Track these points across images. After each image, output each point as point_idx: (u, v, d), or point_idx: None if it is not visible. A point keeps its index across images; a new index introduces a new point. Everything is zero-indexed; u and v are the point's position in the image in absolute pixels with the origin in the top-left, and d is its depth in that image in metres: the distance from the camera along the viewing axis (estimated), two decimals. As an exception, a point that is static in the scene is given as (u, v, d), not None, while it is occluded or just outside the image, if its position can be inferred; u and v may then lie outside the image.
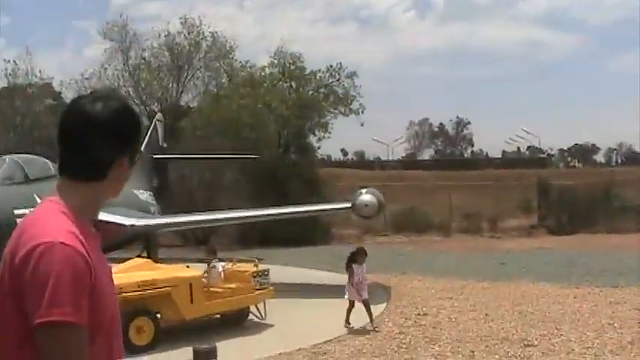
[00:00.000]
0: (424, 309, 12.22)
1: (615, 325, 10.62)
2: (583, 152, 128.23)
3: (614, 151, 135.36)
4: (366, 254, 11.56)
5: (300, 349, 9.62)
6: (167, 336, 10.07)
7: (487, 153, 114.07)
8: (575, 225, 30.64)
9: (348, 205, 15.23)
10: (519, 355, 8.97)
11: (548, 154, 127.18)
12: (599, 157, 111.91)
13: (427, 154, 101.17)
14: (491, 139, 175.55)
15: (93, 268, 2.01)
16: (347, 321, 10.93)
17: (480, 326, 10.80)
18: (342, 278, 16.57)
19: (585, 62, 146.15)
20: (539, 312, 11.75)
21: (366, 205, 14.63)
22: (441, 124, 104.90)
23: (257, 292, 11.50)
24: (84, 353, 1.97)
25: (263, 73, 31.16)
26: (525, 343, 9.63)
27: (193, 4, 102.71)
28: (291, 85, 31.24)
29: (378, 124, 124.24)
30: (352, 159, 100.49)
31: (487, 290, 14.31)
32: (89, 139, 2.16)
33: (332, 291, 14.92)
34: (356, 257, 11.35)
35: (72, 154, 2.18)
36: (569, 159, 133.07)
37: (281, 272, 17.65)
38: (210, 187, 28.04)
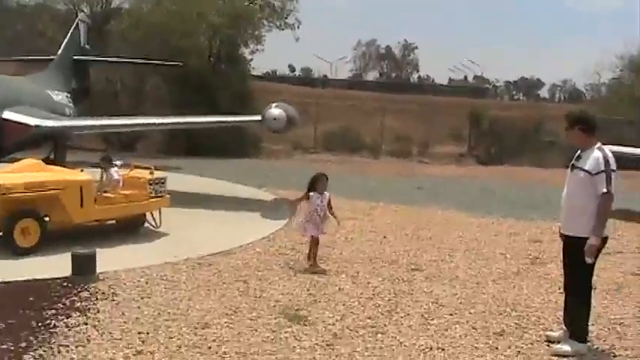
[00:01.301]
0: (324, 227, 12.12)
1: (507, 255, 10.67)
2: (528, 86, 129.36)
3: (559, 88, 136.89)
4: (326, 179, 9.85)
5: (187, 259, 9.43)
6: (50, 241, 9.74)
7: (433, 79, 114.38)
8: (502, 156, 31.02)
9: (258, 118, 14.91)
10: (402, 278, 8.93)
11: (493, 85, 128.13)
12: (544, 93, 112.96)
13: (372, 77, 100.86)
14: (437, 66, 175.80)
15: None
16: (311, 257, 9.43)
17: (375, 248, 10.76)
18: (256, 193, 16.65)
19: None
20: (437, 238, 11.76)
21: (275, 119, 14.34)
22: (387, 46, 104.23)
23: (152, 199, 11.20)
24: None
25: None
26: (413, 267, 9.61)
27: None
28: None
29: (329, 42, 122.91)
30: (299, 75, 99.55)
31: (394, 213, 14.30)
32: None
33: (242, 205, 14.88)
34: (315, 184, 9.70)
35: None
36: (514, 92, 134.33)
37: (192, 182, 17.54)
38: (136, 94, 27.41)
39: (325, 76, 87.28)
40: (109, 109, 24.76)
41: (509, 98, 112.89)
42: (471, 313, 7.56)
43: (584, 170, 6.46)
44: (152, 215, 11.42)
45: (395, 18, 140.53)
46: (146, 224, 11.46)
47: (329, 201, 9.77)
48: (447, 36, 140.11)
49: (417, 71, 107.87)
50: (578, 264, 6.48)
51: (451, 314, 7.47)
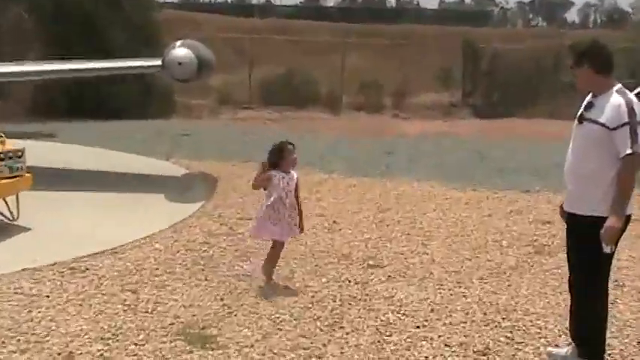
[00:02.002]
0: (252, 211, 12.04)
1: (503, 242, 10.75)
2: (551, 7, 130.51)
3: (593, 8, 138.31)
4: (294, 149, 8.77)
5: (55, 264, 9.29)
6: None
7: (418, 2, 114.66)
8: (509, 106, 31.24)
9: (157, 62, 14.73)
10: (354, 279, 8.93)
11: (501, 8, 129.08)
12: (572, 16, 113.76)
13: (333, 1, 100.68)
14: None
15: None
16: (267, 271, 8.82)
17: (319, 237, 10.77)
18: (161, 167, 16.54)
19: None
20: (409, 221, 11.83)
21: (180, 64, 14.15)
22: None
23: (5, 181, 10.99)
24: None
25: None
26: (371, 262, 9.62)
27: None
28: None
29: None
30: (231, 1, 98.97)
31: (352, 189, 14.36)
32: None
33: (139, 184, 14.79)
34: (278, 159, 8.69)
35: None
36: (530, 16, 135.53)
37: (70, 154, 17.38)
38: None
39: (268, 0, 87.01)
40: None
41: (524, 24, 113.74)
42: (445, 324, 7.56)
43: (598, 123, 6.25)
44: (5, 202, 11.27)
45: None
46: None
47: (296, 186, 8.89)
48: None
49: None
50: (589, 253, 6.37)
51: (417, 327, 7.46)
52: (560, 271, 9.31)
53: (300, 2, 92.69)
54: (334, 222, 11.68)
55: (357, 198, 13.52)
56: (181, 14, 49.02)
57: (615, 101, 6.20)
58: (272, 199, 8.59)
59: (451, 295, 8.46)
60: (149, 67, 16.61)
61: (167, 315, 7.66)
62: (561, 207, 6.78)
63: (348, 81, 34.84)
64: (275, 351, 6.82)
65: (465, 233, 11.19)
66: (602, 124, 6.21)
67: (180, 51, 14.25)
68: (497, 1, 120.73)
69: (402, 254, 10.04)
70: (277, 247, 8.83)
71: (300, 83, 33.12)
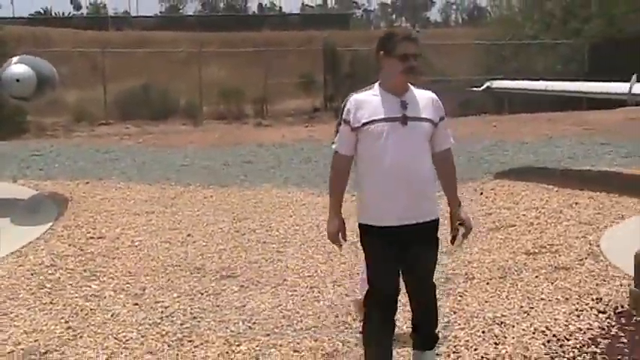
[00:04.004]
0: (104, 230, 11.98)
1: (358, 244, 10.87)
2: (412, 7, 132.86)
3: (453, 7, 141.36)
4: None
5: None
6: None
7: (281, 7, 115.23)
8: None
9: (-10, 80, 14.31)
10: (206, 291, 8.96)
11: (364, 10, 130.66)
12: (435, 15, 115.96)
13: (193, 10, 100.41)
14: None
15: None
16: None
17: (172, 252, 10.74)
18: (8, 189, 16.18)
19: None
20: (265, 229, 11.89)
21: (19, 81, 13.78)
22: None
23: None
24: None
25: None
26: (224, 273, 9.67)
27: None
28: None
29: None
30: (86, 15, 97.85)
31: (208, 200, 14.36)
32: None
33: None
34: None
35: None
36: (393, 17, 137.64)
37: None
38: None
39: (126, 12, 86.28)
40: None
41: (387, 26, 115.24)
42: (296, 330, 7.65)
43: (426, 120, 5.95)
44: None
45: None
46: None
47: None
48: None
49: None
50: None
51: (268, 335, 7.54)
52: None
53: (160, 12, 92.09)
54: (188, 235, 11.67)
55: (213, 209, 13.54)
56: (33, 30, 48.29)
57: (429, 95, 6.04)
58: None
59: (304, 300, 8.57)
60: None
61: (6, 343, 7.52)
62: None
63: (209, 91, 34.84)
64: (119, 370, 6.81)
65: (320, 238, 11.29)
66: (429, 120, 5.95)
67: (18, 67, 13.85)
68: (360, 3, 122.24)
69: (256, 263, 10.09)
70: None
71: (158, 96, 33.01)
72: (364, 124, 5.78)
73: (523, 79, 21.24)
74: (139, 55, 42.49)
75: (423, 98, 5.92)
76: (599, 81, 17.57)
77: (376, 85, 5.89)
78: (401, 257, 5.97)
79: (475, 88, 20.52)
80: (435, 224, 6.05)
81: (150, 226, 12.34)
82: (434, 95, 6.00)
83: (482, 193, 14.30)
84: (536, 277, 9.25)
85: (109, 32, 56.93)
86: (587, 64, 29.30)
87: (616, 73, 17.18)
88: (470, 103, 28.96)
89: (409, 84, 5.91)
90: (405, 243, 5.90)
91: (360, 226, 6.15)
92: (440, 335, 6.80)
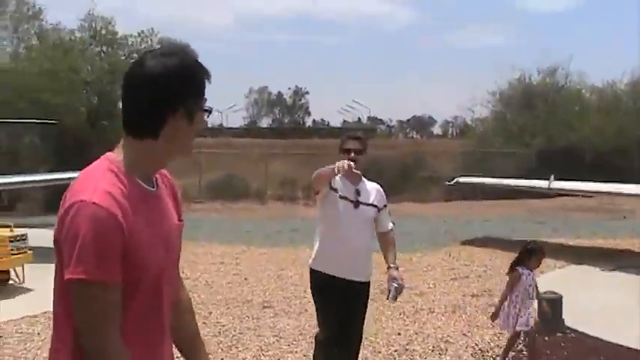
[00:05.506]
0: (189, 273, 12.44)
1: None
2: (421, 124, 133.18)
3: (450, 124, 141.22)
4: (543, 254, 7.16)
5: (46, 312, 9.61)
6: None
7: (328, 122, 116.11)
8: (385, 194, 32.01)
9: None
10: (253, 316, 9.39)
11: (387, 125, 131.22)
12: (437, 130, 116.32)
13: (266, 123, 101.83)
14: (329, 108, 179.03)
15: (127, 228, 2.10)
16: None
17: (233, 289, 11.19)
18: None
19: (428, 35, 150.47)
20: (298, 275, 12.27)
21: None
22: (279, 92, 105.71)
23: (14, 256, 11.35)
24: (109, 308, 2.11)
25: (73, 37, 30.33)
26: (265, 304, 10.10)
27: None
28: (102, 50, 30.57)
29: (220, 90, 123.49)
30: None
31: (262, 256, 14.77)
32: (140, 95, 2.20)
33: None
34: (528, 257, 6.99)
35: (126, 109, 2.24)
36: (407, 130, 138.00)
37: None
38: (12, 153, 27.19)
39: (221, 125, 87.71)
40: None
41: (404, 137, 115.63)
42: (307, 342, 8.00)
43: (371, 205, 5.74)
44: (15, 271, 11.58)
45: (283, 65, 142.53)
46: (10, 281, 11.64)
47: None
48: (336, 79, 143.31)
49: (309, 115, 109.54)
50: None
51: (288, 345, 7.97)
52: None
53: (245, 124, 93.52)
54: (245, 278, 12.08)
55: (265, 262, 13.92)
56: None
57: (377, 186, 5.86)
58: (517, 292, 6.88)
59: (316, 322, 8.97)
60: None
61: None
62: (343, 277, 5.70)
63: (273, 180, 35.44)
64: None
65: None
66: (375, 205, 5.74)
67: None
68: (385, 120, 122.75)
69: (287, 298, 10.50)
70: (514, 337, 7.19)
71: (237, 182, 33.64)
72: (334, 190, 5.58)
73: (486, 177, 21.57)
74: (226, 154, 43.24)
75: (372, 189, 5.77)
76: (541, 179, 17.57)
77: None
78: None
79: (447, 182, 20.83)
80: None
81: (220, 272, 12.80)
82: (379, 187, 5.85)
83: (450, 255, 14.62)
84: (476, 311, 9.63)
85: (206, 138, 57.82)
86: (535, 167, 29.51)
87: (555, 172, 17.33)
88: (453, 192, 29.16)
89: (361, 176, 5.68)
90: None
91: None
92: (403, 349, 7.25)
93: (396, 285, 5.56)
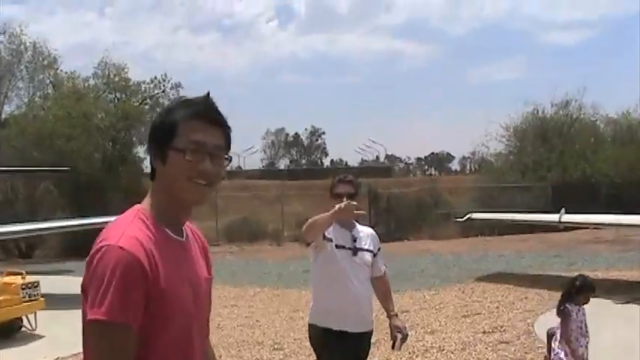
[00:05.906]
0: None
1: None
2: (439, 160, 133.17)
3: (468, 159, 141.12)
4: (593, 290, 6.82)
5: (57, 358, 9.71)
6: None
7: (346, 162, 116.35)
8: (402, 231, 31.99)
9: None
10: (263, 358, 9.43)
11: (405, 163, 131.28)
12: (455, 166, 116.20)
13: (283, 164, 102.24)
14: (347, 148, 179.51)
15: (152, 274, 2.11)
16: None
17: (244, 332, 11.23)
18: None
19: (442, 72, 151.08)
20: (307, 318, 12.27)
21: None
22: (296, 133, 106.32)
23: (26, 303, 11.48)
24: (126, 351, 2.09)
25: (87, 84, 30.87)
26: (276, 347, 10.12)
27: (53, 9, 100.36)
28: (116, 97, 31.05)
29: (237, 133, 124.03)
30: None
31: (275, 297, 14.81)
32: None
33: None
34: (576, 293, 6.69)
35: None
36: (425, 167, 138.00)
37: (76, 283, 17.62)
38: (29, 200, 27.52)
39: (239, 167, 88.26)
40: (3, 216, 24.79)
41: (422, 174, 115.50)
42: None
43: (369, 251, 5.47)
44: (27, 318, 11.70)
45: (299, 106, 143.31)
46: (23, 328, 11.75)
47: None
48: (352, 118, 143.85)
49: (327, 155, 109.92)
50: None
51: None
52: None
53: (263, 166, 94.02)
54: (257, 320, 12.16)
55: (278, 303, 13.97)
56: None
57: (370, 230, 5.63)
58: (569, 329, 6.57)
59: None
60: None
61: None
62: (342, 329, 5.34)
63: (289, 221, 35.50)
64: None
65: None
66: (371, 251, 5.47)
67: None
68: (403, 158, 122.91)
69: (299, 339, 10.44)
70: None
71: (253, 224, 33.74)
72: (329, 240, 5.26)
73: (499, 212, 21.50)
74: (243, 196, 43.47)
75: (366, 233, 5.52)
76: (557, 212, 17.32)
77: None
78: None
79: (458, 219, 20.65)
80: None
81: (232, 314, 12.84)
82: (373, 231, 5.62)
83: (463, 291, 14.58)
84: (486, 348, 9.60)
85: (224, 180, 58.21)
86: (551, 200, 29.35)
87: (571, 206, 17.27)
88: (470, 228, 29.08)
89: (354, 221, 5.43)
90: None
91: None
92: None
93: (401, 336, 5.36)
